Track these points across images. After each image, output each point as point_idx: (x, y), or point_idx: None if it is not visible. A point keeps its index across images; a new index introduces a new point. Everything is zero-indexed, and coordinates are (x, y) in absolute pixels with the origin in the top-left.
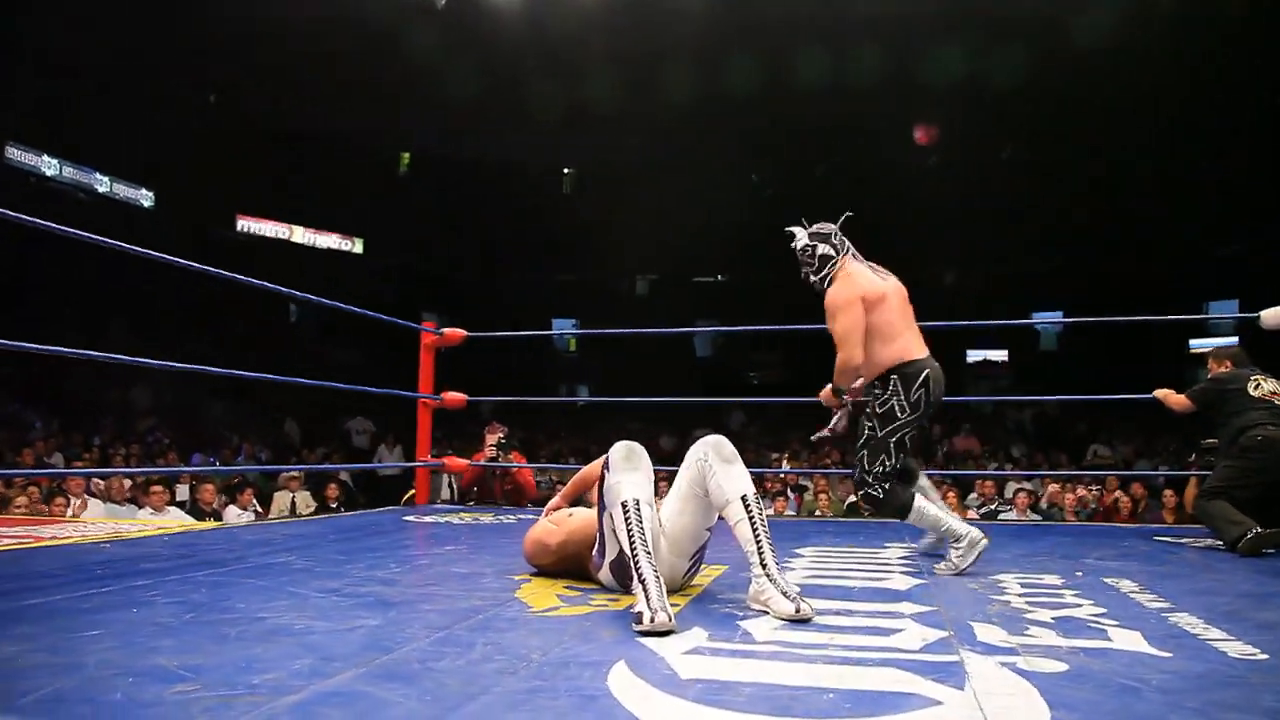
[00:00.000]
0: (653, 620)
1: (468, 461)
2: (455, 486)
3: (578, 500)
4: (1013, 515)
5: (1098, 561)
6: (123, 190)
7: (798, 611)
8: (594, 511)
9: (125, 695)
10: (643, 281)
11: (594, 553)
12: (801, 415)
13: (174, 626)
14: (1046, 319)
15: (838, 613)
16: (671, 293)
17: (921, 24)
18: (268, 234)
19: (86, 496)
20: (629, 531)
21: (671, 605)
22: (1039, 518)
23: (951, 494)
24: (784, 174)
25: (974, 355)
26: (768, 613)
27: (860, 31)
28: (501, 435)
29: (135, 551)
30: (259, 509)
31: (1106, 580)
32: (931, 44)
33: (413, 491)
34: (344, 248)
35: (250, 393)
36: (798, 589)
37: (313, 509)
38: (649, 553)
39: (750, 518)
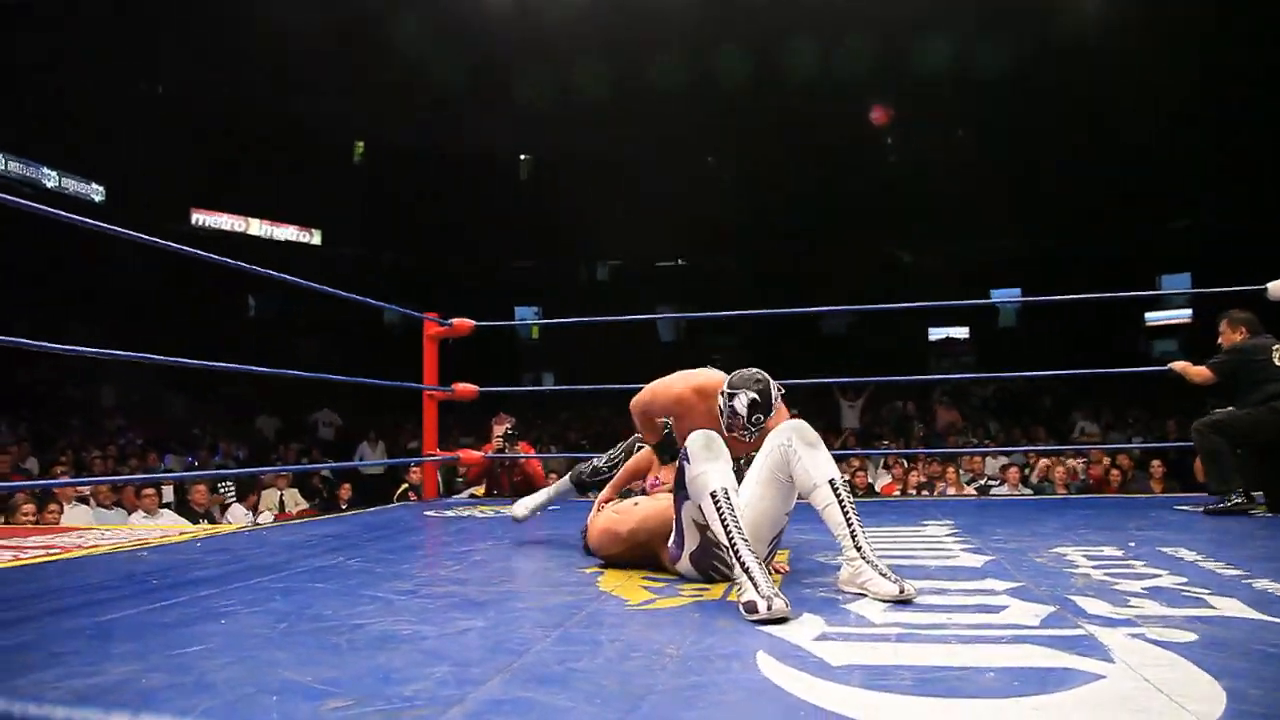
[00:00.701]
0: (769, 608)
1: (482, 454)
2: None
3: (626, 492)
4: (1004, 490)
5: (1139, 532)
6: (72, 185)
7: (902, 592)
8: (659, 499)
9: (283, 715)
10: (604, 267)
11: (670, 544)
12: None
13: (276, 638)
14: (1005, 297)
15: (932, 592)
16: (633, 278)
17: (878, 8)
18: (224, 227)
19: (74, 502)
20: (723, 521)
21: None
22: (1030, 492)
23: (950, 470)
24: (744, 158)
25: (936, 333)
26: (864, 595)
27: (820, 16)
28: (509, 426)
29: (176, 559)
30: (266, 510)
31: (1164, 550)
32: (891, 28)
33: (406, 486)
34: (302, 239)
35: (214, 388)
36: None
37: (303, 507)
38: (747, 540)
39: (840, 501)
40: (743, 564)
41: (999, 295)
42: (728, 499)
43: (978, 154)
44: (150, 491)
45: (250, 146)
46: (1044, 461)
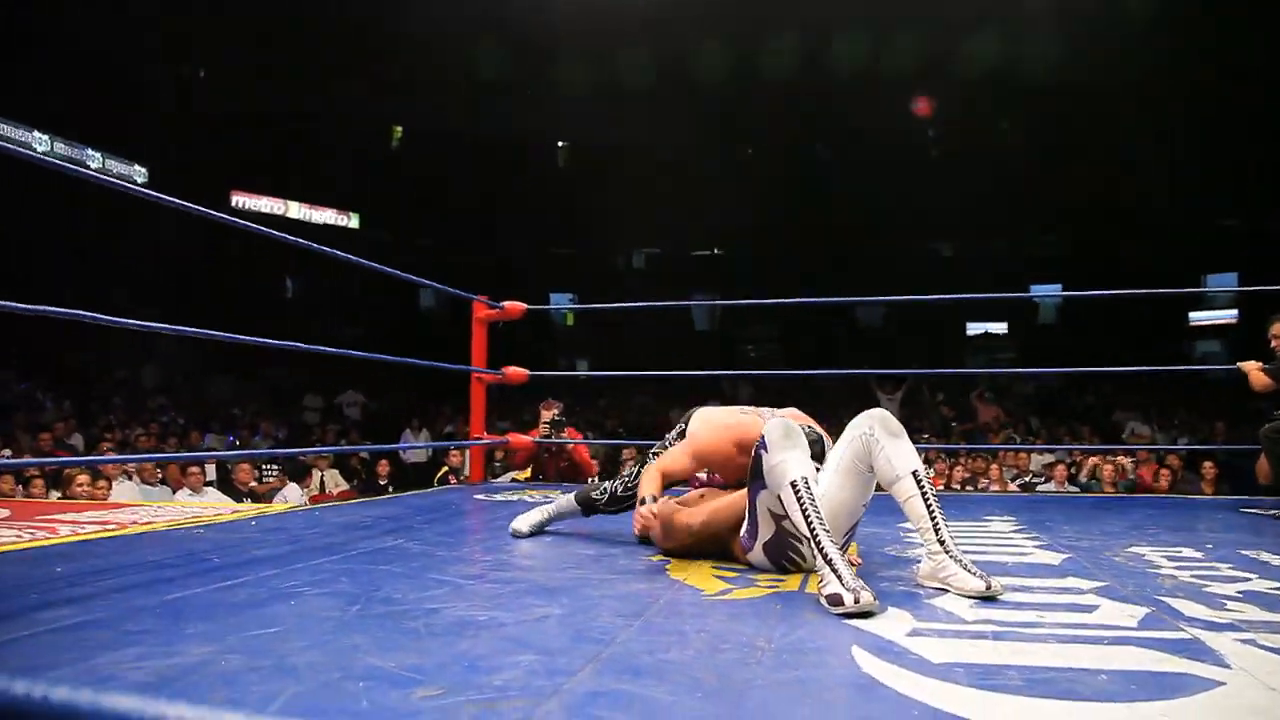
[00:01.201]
0: (856, 601)
1: (531, 438)
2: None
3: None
4: (1051, 487)
5: (1212, 534)
6: (115, 166)
7: (988, 588)
8: (729, 492)
9: (373, 704)
10: (639, 256)
11: (743, 534)
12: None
13: (351, 621)
14: (1046, 292)
15: (1015, 589)
16: (669, 267)
17: (923, 2)
18: (263, 209)
19: (121, 478)
20: (804, 511)
21: None
22: (1077, 490)
23: (993, 467)
24: (784, 149)
25: (974, 328)
26: (947, 590)
27: (864, 8)
28: (557, 411)
29: (234, 537)
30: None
31: (1246, 553)
32: (936, 22)
33: (446, 469)
34: (340, 222)
35: (254, 371)
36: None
37: (343, 488)
38: (828, 531)
39: (923, 493)
40: (825, 555)
41: (1038, 290)
42: (808, 488)
43: (1022, 148)
44: (195, 469)
45: (290, 130)
46: (1092, 460)
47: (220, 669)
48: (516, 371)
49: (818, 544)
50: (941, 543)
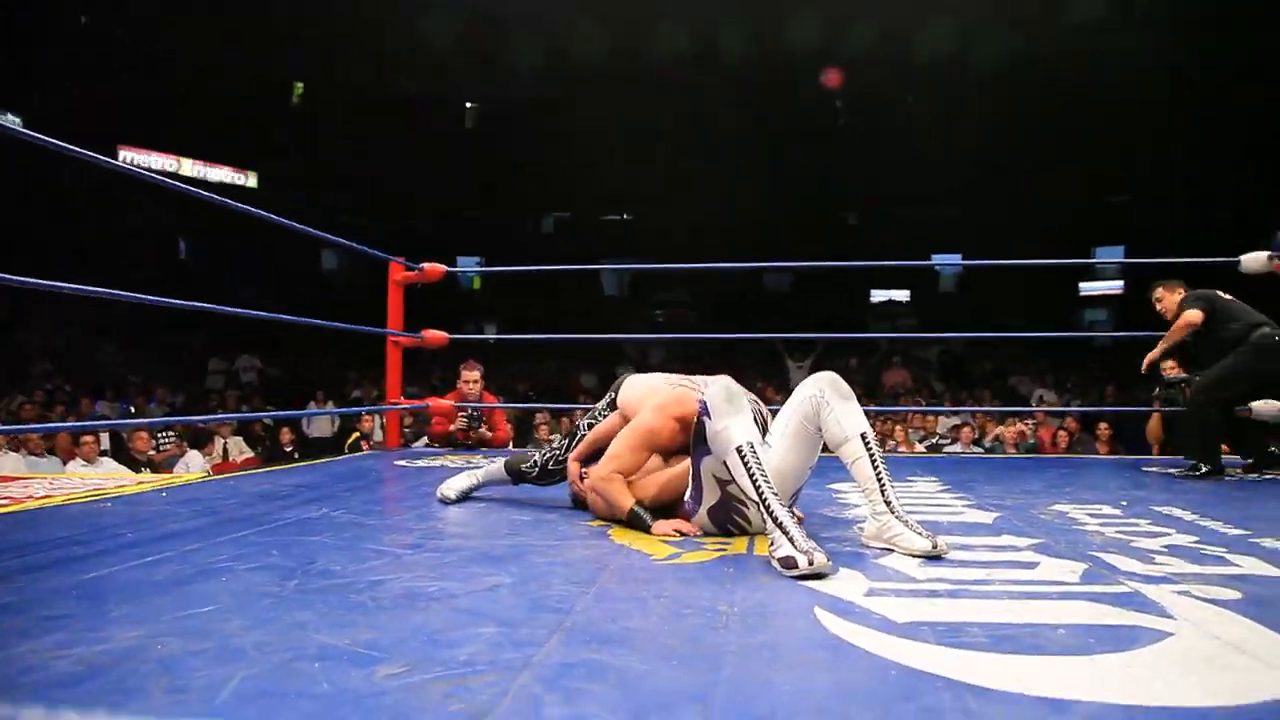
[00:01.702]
0: (811, 563)
1: (452, 402)
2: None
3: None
4: (956, 449)
5: (1123, 491)
6: None
7: (935, 548)
8: (672, 466)
9: (333, 685)
10: (549, 220)
11: (686, 498)
12: (715, 351)
13: (290, 596)
14: (946, 261)
15: (957, 548)
16: (578, 232)
17: None
18: (154, 166)
19: (4, 449)
20: (752, 477)
21: None
22: (981, 451)
23: (899, 428)
24: (692, 115)
25: (878, 295)
26: (893, 550)
27: None
28: (480, 373)
29: (145, 510)
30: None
31: (1158, 509)
32: None
33: (357, 435)
34: (237, 181)
35: (146, 336)
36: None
37: (248, 455)
38: (777, 494)
39: (871, 455)
40: (776, 519)
41: (939, 259)
42: (754, 453)
43: (927, 121)
44: (89, 439)
45: (184, 84)
46: (993, 423)
47: (157, 654)
48: (436, 335)
49: (767, 508)
50: (888, 504)
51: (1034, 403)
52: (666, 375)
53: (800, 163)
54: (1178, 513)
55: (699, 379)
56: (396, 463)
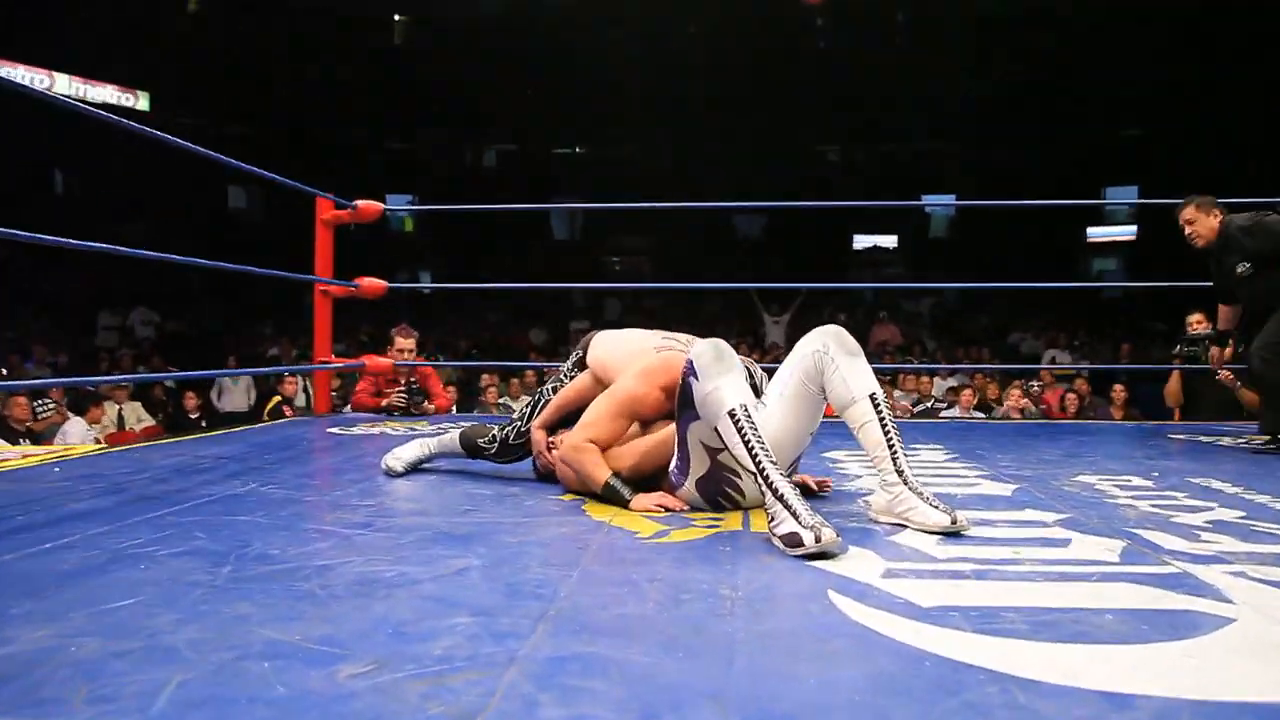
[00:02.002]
0: (818, 540)
1: (392, 361)
2: (311, 394)
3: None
4: (955, 413)
5: (1151, 461)
6: None
7: (954, 523)
8: (653, 433)
9: (290, 688)
10: (491, 153)
11: (671, 469)
12: (679, 304)
13: (225, 585)
14: (938, 201)
15: (977, 524)
16: (525, 166)
17: None
18: (21, 80)
19: None
20: (747, 443)
21: None
22: (982, 415)
23: (889, 390)
24: (657, 32)
25: (862, 240)
26: (905, 526)
27: None
28: (414, 343)
29: (37, 487)
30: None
31: (1195, 480)
32: None
33: (279, 400)
34: (125, 102)
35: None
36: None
37: (147, 423)
38: (776, 463)
39: (881, 419)
40: (776, 491)
41: (930, 200)
42: (749, 417)
43: (918, 42)
44: None
45: None
46: (993, 385)
47: (73, 657)
48: (373, 283)
49: (765, 478)
50: (900, 473)
51: (1046, 364)
52: (644, 332)
53: (776, 90)
54: (1218, 485)
55: (683, 337)
56: (329, 430)
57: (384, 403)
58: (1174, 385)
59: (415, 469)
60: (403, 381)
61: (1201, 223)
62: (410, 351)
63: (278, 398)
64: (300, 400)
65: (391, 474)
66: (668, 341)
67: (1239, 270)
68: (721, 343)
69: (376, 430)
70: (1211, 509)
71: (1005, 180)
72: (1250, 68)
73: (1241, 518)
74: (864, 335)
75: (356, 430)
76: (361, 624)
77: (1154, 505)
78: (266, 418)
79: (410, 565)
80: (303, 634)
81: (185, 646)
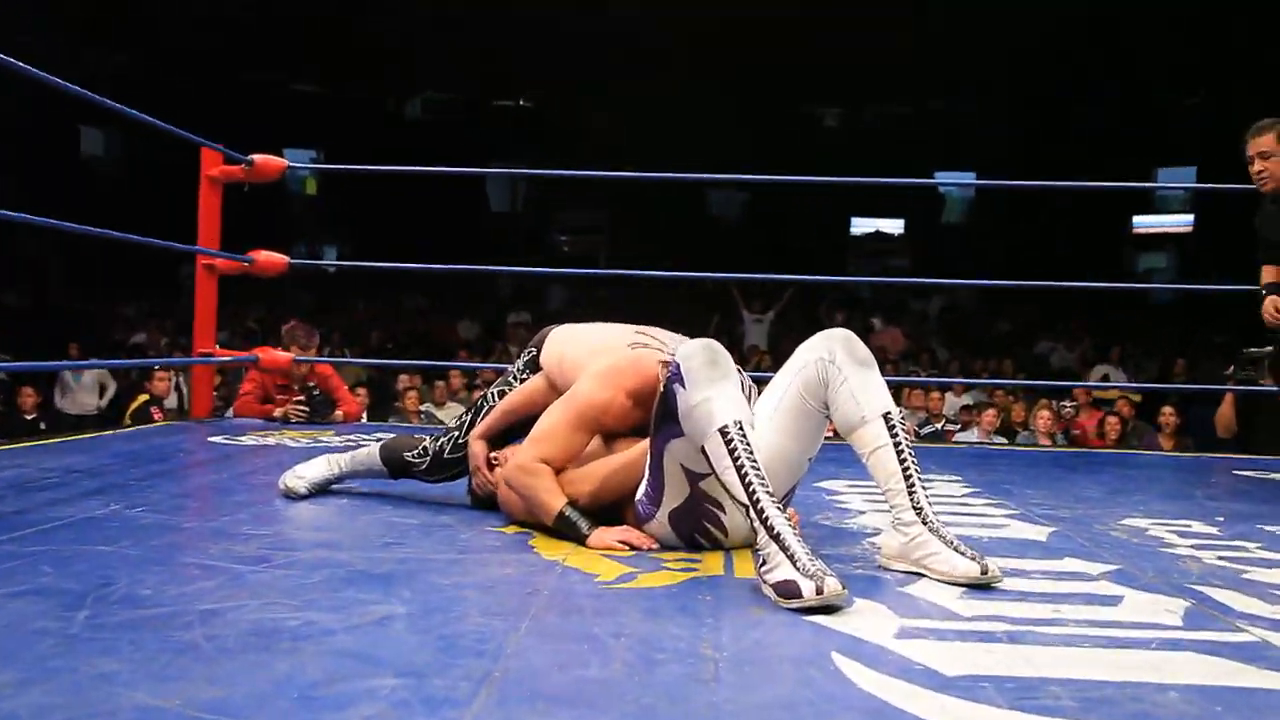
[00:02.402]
0: (819, 591)
1: (291, 355)
2: (186, 393)
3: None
4: (973, 436)
5: (1214, 503)
6: None
7: (985, 573)
8: (618, 451)
9: None
10: (416, 104)
11: (640, 497)
12: (641, 295)
13: (82, 634)
14: (954, 180)
15: (1008, 574)
16: (458, 121)
17: None
18: None
19: None
20: (740, 470)
21: None
22: (1004, 441)
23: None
24: None
25: (861, 225)
26: (923, 575)
27: None
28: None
29: None
30: None
31: (1269, 529)
32: None
33: (147, 399)
34: None
35: None
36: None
37: None
38: (773, 495)
39: (897, 444)
40: (772, 530)
41: (945, 178)
42: (744, 437)
43: None
44: None
45: None
46: (1019, 404)
47: None
48: (271, 258)
49: (760, 513)
50: (918, 511)
51: (1083, 380)
52: (613, 327)
53: (761, 41)
54: None
55: (661, 334)
56: (211, 439)
57: (277, 413)
58: (1226, 409)
59: (322, 490)
60: (297, 386)
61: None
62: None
63: (144, 397)
64: (172, 401)
65: (292, 496)
66: (641, 338)
67: None
68: (716, 344)
69: (272, 440)
70: None
71: (1036, 155)
72: None
73: None
74: (864, 340)
75: (246, 440)
76: (259, 686)
77: (1221, 558)
78: (129, 421)
79: (319, 612)
80: (184, 698)
81: (30, 715)
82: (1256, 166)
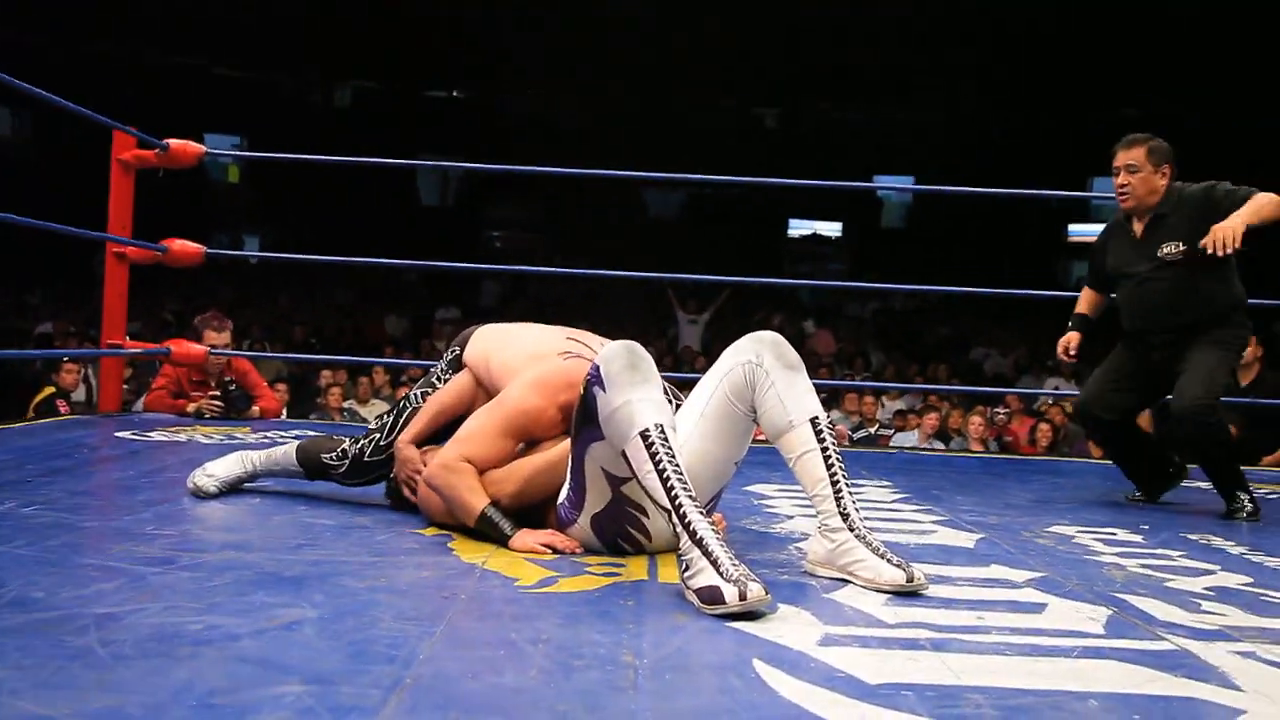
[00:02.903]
0: (742, 597)
1: (206, 349)
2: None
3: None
4: (907, 440)
5: (1140, 510)
6: None
7: (911, 580)
8: (545, 452)
9: None
10: (345, 90)
11: (561, 501)
12: (575, 294)
13: None
14: (893, 184)
15: (934, 580)
16: (387, 110)
17: None
18: None
19: None
20: (662, 474)
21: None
22: (942, 446)
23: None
24: None
25: (799, 227)
26: (849, 582)
27: None
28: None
29: None
30: None
31: (1192, 537)
32: None
33: (52, 391)
34: None
35: None
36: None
37: None
38: (695, 499)
39: (824, 449)
40: (694, 535)
41: (884, 182)
42: (665, 441)
43: None
44: None
45: None
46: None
47: None
48: (186, 247)
49: (682, 517)
50: (845, 517)
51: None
52: (542, 329)
53: (701, 35)
54: (1220, 543)
55: (592, 339)
56: (119, 435)
57: (190, 408)
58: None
59: (234, 489)
60: (214, 382)
61: (1147, 177)
62: (226, 346)
63: (50, 389)
64: (80, 394)
65: (202, 495)
66: (573, 345)
67: (1164, 251)
68: (637, 346)
69: (183, 436)
70: (1213, 572)
71: (976, 161)
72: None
73: (1248, 584)
74: (799, 344)
75: (155, 435)
76: (155, 694)
77: (1145, 566)
78: (32, 414)
79: (224, 616)
80: (75, 707)
81: None
82: (1122, 179)
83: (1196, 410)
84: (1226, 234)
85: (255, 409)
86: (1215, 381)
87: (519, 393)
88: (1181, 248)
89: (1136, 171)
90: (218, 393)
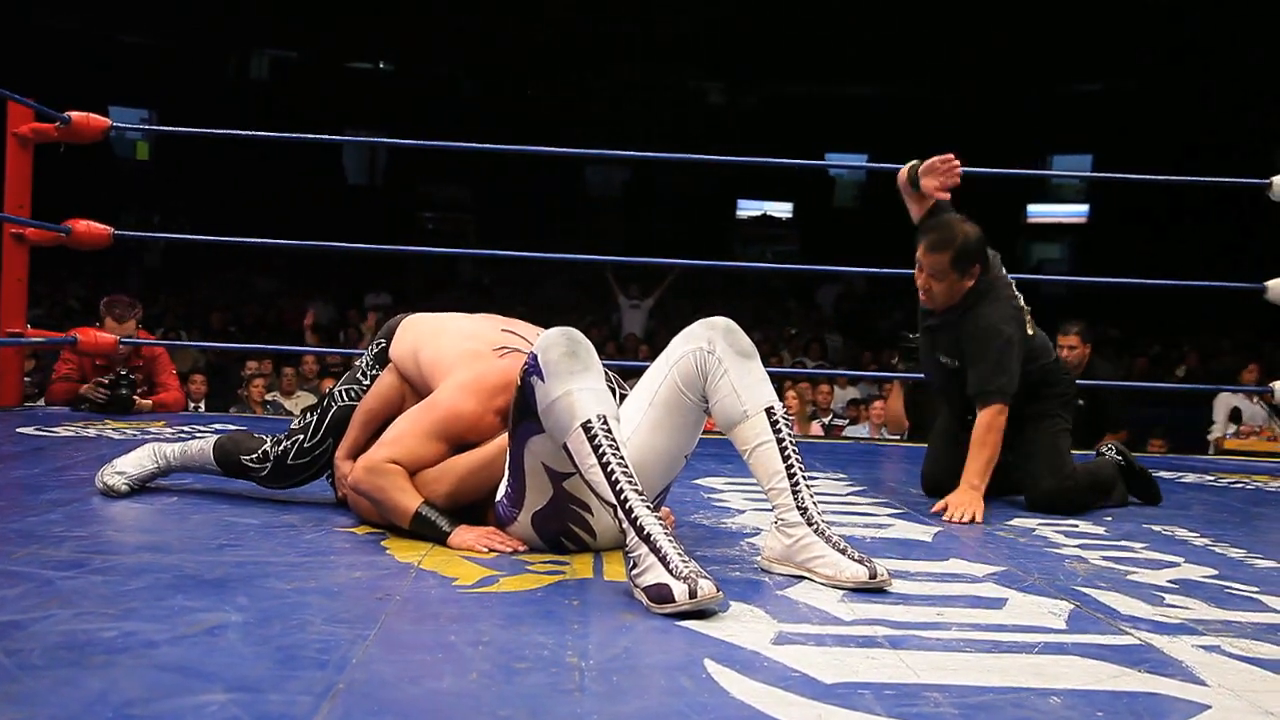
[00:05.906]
0: (692, 595)
1: (116, 338)
2: None
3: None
4: (864, 431)
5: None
6: None
7: (874, 577)
8: (481, 447)
9: None
10: (262, 59)
11: (500, 498)
12: (511, 277)
13: None
14: (845, 163)
15: (893, 575)
16: (310, 83)
17: None
18: None
19: None
20: (606, 467)
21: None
22: (898, 438)
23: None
24: None
25: (748, 207)
26: (805, 578)
27: None
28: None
29: None
30: None
31: (1156, 528)
32: None
33: None
34: None
35: None
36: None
37: None
38: (642, 493)
39: (780, 440)
40: (642, 531)
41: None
42: (608, 432)
43: None
44: None
45: None
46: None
47: None
48: (91, 228)
49: (629, 513)
50: (803, 511)
51: None
52: (474, 320)
53: (644, 5)
54: (1183, 534)
55: (530, 330)
56: (21, 430)
57: (84, 389)
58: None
59: (145, 487)
60: (111, 372)
61: (950, 285)
62: (133, 335)
63: None
64: None
65: (112, 494)
66: (509, 338)
67: (943, 361)
68: (576, 333)
69: (92, 431)
70: (1177, 565)
71: (929, 137)
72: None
73: (1212, 576)
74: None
75: (61, 430)
76: (67, 706)
77: (1106, 558)
78: None
79: (140, 621)
80: None
81: None
82: (922, 281)
83: (1057, 499)
84: (965, 511)
85: (145, 402)
86: (1063, 460)
87: (451, 395)
88: (957, 364)
89: (939, 280)
90: (105, 380)
